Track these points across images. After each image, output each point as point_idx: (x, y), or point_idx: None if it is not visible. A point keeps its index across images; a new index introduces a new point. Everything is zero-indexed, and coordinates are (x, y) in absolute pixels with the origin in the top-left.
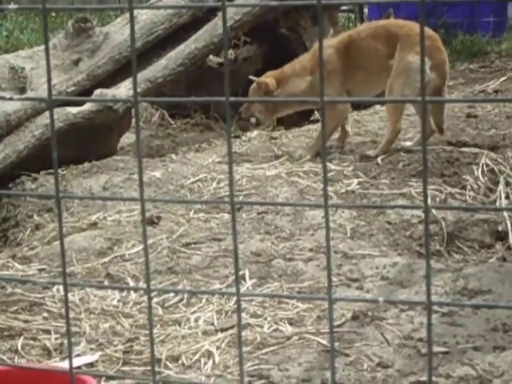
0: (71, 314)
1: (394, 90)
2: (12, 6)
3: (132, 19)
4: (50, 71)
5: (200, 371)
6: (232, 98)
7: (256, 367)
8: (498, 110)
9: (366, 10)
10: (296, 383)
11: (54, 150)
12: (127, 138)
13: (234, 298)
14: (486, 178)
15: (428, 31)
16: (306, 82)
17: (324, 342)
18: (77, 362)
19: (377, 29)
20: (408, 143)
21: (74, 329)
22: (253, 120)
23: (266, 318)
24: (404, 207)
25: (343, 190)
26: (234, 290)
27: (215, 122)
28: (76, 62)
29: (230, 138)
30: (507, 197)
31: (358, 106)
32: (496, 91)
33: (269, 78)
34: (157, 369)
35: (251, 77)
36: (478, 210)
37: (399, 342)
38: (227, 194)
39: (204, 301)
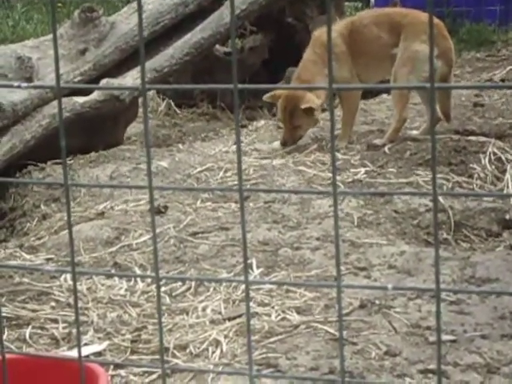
0: (79, 304)
1: (399, 78)
2: None
3: (140, 8)
4: (58, 60)
5: (208, 360)
6: (240, 86)
7: (264, 356)
8: (504, 98)
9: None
10: (304, 372)
11: (62, 138)
12: (134, 128)
13: (242, 287)
14: (493, 167)
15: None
16: (327, 76)
17: (332, 330)
18: (85, 351)
19: (380, 17)
20: (415, 132)
21: (81, 318)
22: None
23: (273, 307)
24: (412, 194)
25: (350, 179)
26: (241, 278)
27: (222, 111)
28: (82, 52)
29: (238, 126)
30: None
31: (364, 95)
32: (503, 80)
33: (307, 96)
34: (165, 357)
35: (265, 98)
36: (485, 199)
37: (407, 330)
38: (234, 183)
39: (211, 290)
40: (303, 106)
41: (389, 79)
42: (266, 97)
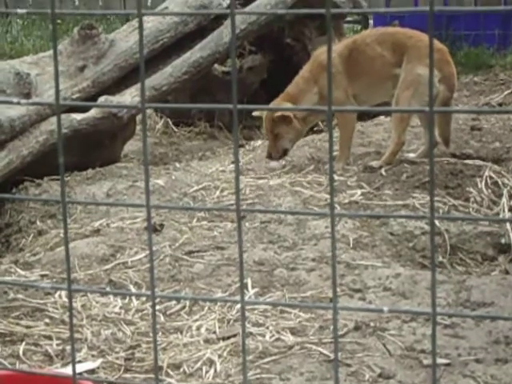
0: (73, 321)
1: (401, 101)
2: (21, 10)
3: (141, 25)
4: (58, 76)
5: (201, 379)
6: (240, 106)
7: (258, 376)
8: (502, 123)
9: (371, 22)
10: None
11: (60, 155)
12: (131, 146)
13: (237, 307)
14: (489, 191)
15: (437, 44)
16: (316, 94)
17: (326, 351)
18: (78, 368)
19: (384, 35)
20: (412, 155)
21: (75, 335)
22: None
23: (267, 327)
24: (409, 217)
25: (347, 201)
26: (237, 298)
27: (219, 130)
28: (81, 69)
29: (237, 146)
30: (510, 209)
31: (361, 117)
32: (500, 104)
33: (282, 106)
34: (158, 376)
35: (255, 114)
36: (481, 223)
37: (401, 352)
38: (231, 202)
39: (206, 309)
40: (276, 115)
41: (387, 102)
42: (255, 114)
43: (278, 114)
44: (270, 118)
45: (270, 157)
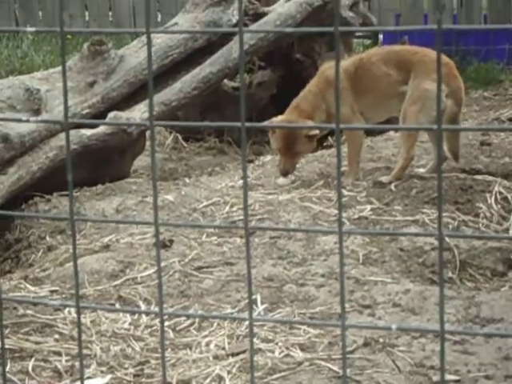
0: (82, 337)
1: (408, 116)
2: (30, 28)
3: (149, 43)
4: (67, 94)
5: None
6: (248, 124)
7: None
8: (511, 138)
9: (380, 37)
10: None
11: (69, 172)
12: (140, 161)
13: (246, 323)
14: (499, 206)
15: (443, 58)
16: (324, 112)
17: (335, 368)
18: None
19: (389, 54)
20: (421, 170)
21: (84, 351)
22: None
23: (277, 344)
24: (418, 235)
25: (356, 216)
26: (246, 314)
27: (229, 145)
28: (91, 85)
29: (245, 163)
30: None
31: (371, 132)
32: (510, 119)
33: (307, 122)
34: None
35: (311, 133)
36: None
37: (410, 369)
38: (240, 218)
39: (215, 325)
40: (311, 133)
41: (396, 116)
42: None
43: (313, 132)
44: (291, 136)
45: (286, 174)
